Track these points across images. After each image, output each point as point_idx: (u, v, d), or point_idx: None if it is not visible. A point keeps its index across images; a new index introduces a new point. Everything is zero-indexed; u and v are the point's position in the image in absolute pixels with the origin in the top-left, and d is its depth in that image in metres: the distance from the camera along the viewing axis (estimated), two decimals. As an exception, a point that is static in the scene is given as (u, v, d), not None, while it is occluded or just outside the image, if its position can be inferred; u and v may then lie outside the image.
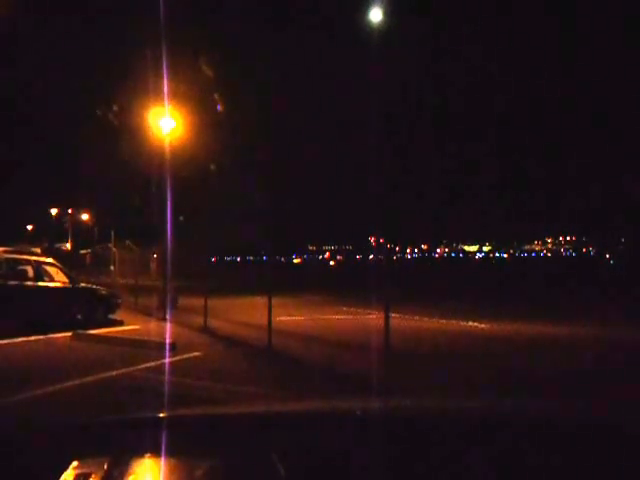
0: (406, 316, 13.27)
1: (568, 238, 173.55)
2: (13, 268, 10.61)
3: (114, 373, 6.80)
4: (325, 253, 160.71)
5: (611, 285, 24.01)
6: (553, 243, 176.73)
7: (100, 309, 12.21)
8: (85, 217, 51.74)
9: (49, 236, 48.20)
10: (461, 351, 9.21)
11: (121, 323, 12.22)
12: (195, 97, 16.36)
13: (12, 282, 10.39)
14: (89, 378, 6.43)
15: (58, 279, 11.46)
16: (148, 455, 1.28)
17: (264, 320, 9.33)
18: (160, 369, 7.24)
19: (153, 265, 18.98)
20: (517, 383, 6.38)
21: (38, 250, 14.87)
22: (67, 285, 11.57)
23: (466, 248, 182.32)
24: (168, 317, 12.74)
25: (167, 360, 7.77)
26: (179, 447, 1.27)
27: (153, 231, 16.41)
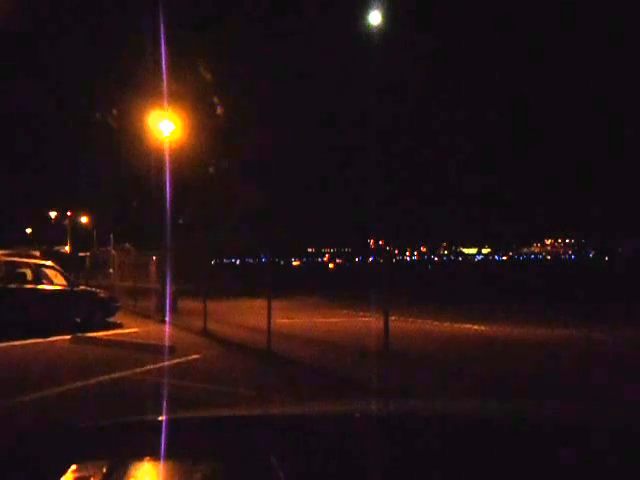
0: (406, 318, 13.27)
1: (567, 240, 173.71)
2: (12, 271, 10.61)
3: (113, 376, 6.79)
4: (324, 256, 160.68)
5: (609, 287, 24.01)
6: (552, 245, 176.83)
7: (99, 312, 12.19)
8: (84, 220, 51.71)
9: (48, 239, 48.16)
10: (460, 353, 9.20)
11: (120, 326, 12.21)
12: (195, 99, 16.39)
13: (11, 285, 10.39)
14: (88, 381, 6.42)
15: (57, 282, 11.45)
16: (147, 458, 1.28)
17: (263, 323, 9.31)
18: (159, 372, 7.23)
19: (152, 268, 18.94)
20: (516, 384, 6.37)
21: (37, 253, 14.83)
22: (66, 288, 11.55)
23: (465, 251, 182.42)
24: (167, 320, 12.72)
25: (166, 363, 7.77)
26: (178, 450, 1.27)
27: (152, 234, 16.41)
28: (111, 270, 24.58)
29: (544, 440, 1.28)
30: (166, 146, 14.37)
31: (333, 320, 14.52)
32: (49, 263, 11.86)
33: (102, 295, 12.76)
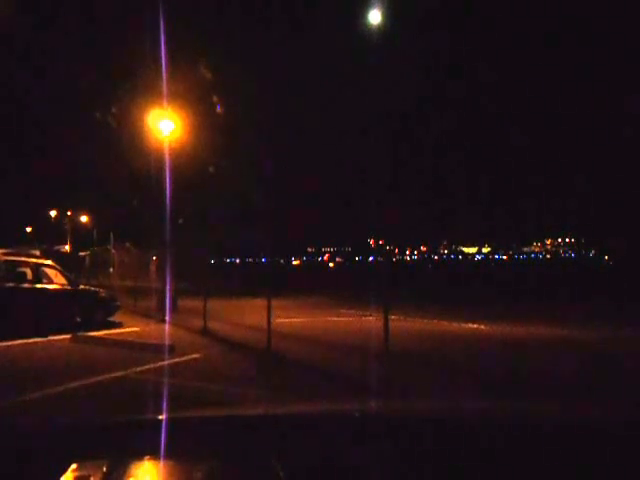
0: (406, 317, 13.27)
1: (567, 240, 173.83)
2: (12, 270, 10.61)
3: (113, 375, 6.80)
4: (324, 255, 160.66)
5: (608, 286, 24.03)
6: (552, 245, 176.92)
7: (99, 311, 12.20)
8: (84, 219, 51.74)
9: (48, 238, 48.13)
10: (461, 352, 9.20)
11: (120, 325, 12.21)
12: (195, 98, 16.37)
13: (11, 284, 10.39)
14: (88, 380, 6.42)
15: (57, 281, 11.45)
16: (147, 457, 1.28)
17: (263, 322, 9.32)
18: (159, 371, 7.23)
19: (152, 267, 18.97)
20: (517, 383, 6.37)
21: (37, 252, 14.83)
22: (66, 287, 11.55)
23: (465, 250, 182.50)
24: (167, 319, 12.73)
25: (166, 362, 7.77)
26: (178, 449, 1.27)
27: (152, 233, 16.43)
28: (111, 269, 24.61)
29: (544, 440, 1.28)
30: (166, 145, 14.37)
31: (333, 319, 14.52)
32: (49, 262, 11.86)
33: (102, 294, 12.76)
